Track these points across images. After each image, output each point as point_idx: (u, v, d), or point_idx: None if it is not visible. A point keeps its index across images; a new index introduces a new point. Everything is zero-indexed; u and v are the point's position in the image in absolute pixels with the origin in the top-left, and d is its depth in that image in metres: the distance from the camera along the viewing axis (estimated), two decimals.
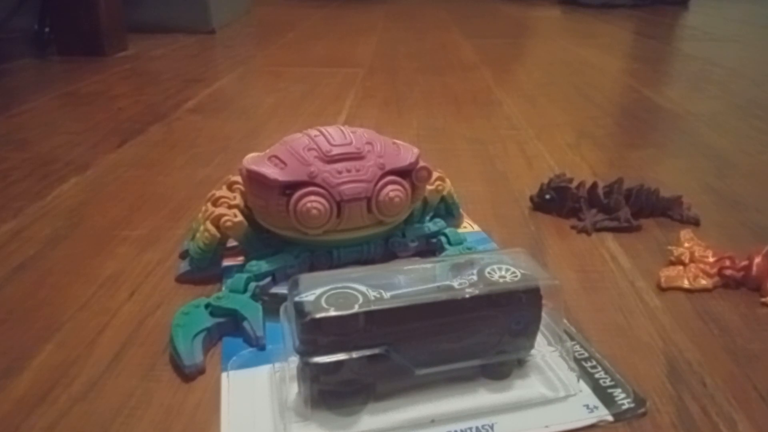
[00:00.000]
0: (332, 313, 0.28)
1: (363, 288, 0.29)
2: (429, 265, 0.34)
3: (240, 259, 0.41)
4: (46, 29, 1.22)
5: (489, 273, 0.31)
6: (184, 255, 0.44)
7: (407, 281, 0.31)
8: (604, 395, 0.31)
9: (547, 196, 0.52)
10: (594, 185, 0.52)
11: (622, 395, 0.31)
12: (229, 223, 0.39)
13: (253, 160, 0.39)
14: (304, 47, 1.36)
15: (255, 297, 0.37)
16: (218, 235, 0.40)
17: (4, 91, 0.97)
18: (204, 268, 0.41)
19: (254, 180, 0.38)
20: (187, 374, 0.32)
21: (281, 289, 0.37)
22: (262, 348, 0.34)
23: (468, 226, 0.49)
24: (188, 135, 0.73)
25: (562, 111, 0.87)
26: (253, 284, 0.37)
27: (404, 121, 0.80)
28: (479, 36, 1.57)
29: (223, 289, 0.37)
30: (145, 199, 0.55)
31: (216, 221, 0.40)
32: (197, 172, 0.61)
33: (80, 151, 0.67)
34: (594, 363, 0.33)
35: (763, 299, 0.40)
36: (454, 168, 0.62)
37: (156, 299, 0.39)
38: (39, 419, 0.29)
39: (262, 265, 0.38)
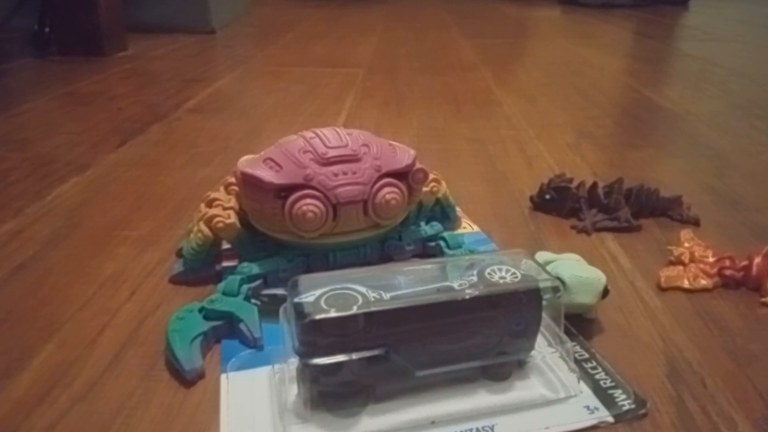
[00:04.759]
0: (332, 314, 0.28)
1: (363, 289, 0.29)
2: (429, 266, 0.34)
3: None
4: (46, 29, 1.22)
5: (489, 274, 0.31)
6: (180, 253, 0.43)
7: (407, 282, 0.31)
8: (604, 396, 0.31)
9: (547, 196, 0.52)
10: (594, 185, 0.52)
11: (623, 396, 0.31)
12: (220, 225, 0.39)
13: (247, 163, 0.38)
14: (304, 47, 1.36)
15: (248, 299, 0.37)
16: (211, 236, 0.40)
17: (4, 91, 0.97)
18: (197, 270, 0.41)
19: (249, 183, 0.38)
20: (188, 379, 0.32)
21: (279, 290, 0.37)
22: (260, 349, 0.34)
23: (468, 227, 0.49)
24: (188, 135, 0.73)
25: (562, 111, 0.87)
26: (245, 286, 0.37)
27: (404, 121, 0.80)
28: (479, 36, 1.57)
29: (216, 291, 0.37)
30: (145, 199, 0.55)
31: (209, 222, 0.40)
32: (197, 173, 0.61)
33: (80, 151, 0.67)
34: (594, 364, 0.33)
35: (763, 299, 0.40)
36: (454, 168, 0.62)
37: (156, 299, 0.39)
38: (39, 419, 0.29)
39: (252, 267, 0.38)
